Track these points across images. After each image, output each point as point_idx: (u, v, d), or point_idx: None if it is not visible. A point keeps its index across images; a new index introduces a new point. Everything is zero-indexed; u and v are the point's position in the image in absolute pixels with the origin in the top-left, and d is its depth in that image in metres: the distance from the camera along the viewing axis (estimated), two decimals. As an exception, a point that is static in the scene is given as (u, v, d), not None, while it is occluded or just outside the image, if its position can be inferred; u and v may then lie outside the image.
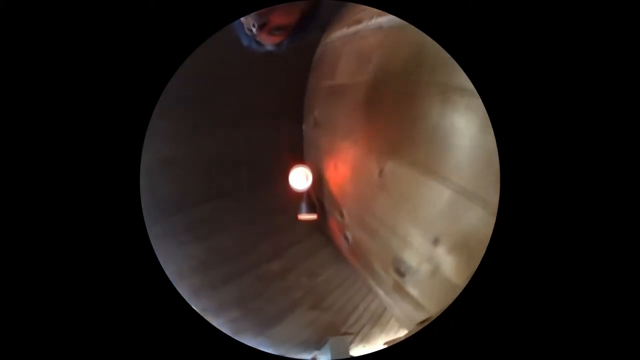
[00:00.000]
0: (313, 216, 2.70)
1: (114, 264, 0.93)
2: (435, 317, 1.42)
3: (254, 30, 1.32)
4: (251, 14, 1.23)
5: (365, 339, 5.29)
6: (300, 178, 2.52)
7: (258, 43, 1.45)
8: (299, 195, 2.66)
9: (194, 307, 2.68)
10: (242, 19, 1.29)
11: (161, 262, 1.38)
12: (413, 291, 1.95)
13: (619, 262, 0.77)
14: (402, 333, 5.52)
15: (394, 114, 1.68)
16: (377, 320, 5.18)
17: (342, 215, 2.46)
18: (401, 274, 1.98)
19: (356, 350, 5.30)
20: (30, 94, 0.88)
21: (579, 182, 0.83)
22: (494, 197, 1.09)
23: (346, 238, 2.58)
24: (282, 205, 2.84)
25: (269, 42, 1.47)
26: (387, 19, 1.73)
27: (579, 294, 0.80)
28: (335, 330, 4.85)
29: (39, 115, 0.89)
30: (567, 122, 0.87)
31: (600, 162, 0.82)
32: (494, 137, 1.07)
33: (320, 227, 3.18)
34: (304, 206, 2.66)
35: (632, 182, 0.77)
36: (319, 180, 2.55)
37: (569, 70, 0.87)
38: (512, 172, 0.92)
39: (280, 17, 1.31)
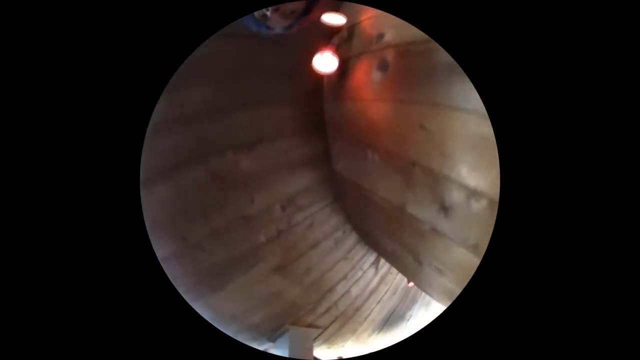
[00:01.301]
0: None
1: (113, 260, 0.94)
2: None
3: (268, 14, 1.42)
4: None
5: (332, 338, 4.00)
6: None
7: (268, 27, 1.53)
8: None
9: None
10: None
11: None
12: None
13: (619, 254, 0.79)
14: (372, 339, 4.37)
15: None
16: (352, 315, 3.96)
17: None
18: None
19: (319, 352, 3.99)
20: (31, 93, 0.89)
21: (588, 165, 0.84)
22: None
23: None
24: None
25: (280, 26, 1.56)
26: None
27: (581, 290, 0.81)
28: (299, 317, 3.52)
29: (40, 112, 0.90)
30: (566, 121, 0.87)
31: (599, 158, 0.83)
32: None
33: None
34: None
35: (631, 180, 0.78)
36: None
37: (569, 70, 0.88)
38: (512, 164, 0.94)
39: (293, 1, 1.46)
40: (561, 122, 0.88)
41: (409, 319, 4.78)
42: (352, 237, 3.41)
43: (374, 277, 3.88)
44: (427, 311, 4.93)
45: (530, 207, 0.89)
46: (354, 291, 3.78)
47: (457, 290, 2.20)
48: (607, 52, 0.82)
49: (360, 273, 3.70)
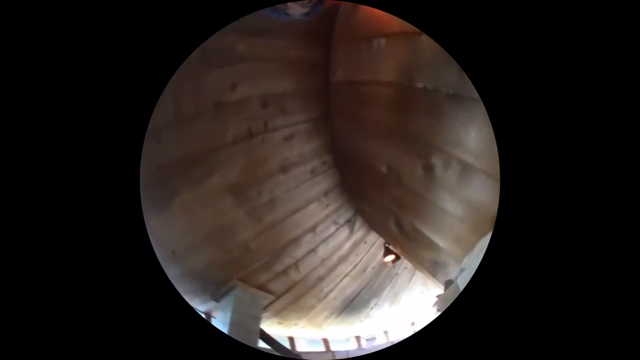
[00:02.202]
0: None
1: (112, 257, 0.94)
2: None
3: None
4: None
5: (285, 312, 3.37)
6: None
7: (287, 14, 1.63)
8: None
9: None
10: None
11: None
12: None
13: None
14: (327, 323, 3.75)
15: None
16: (312, 286, 3.40)
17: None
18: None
19: (267, 325, 3.32)
20: (32, 91, 0.90)
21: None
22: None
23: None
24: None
25: (299, 12, 1.65)
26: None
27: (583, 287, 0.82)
28: (250, 272, 2.89)
29: (41, 110, 0.91)
30: (566, 120, 0.89)
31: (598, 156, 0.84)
32: None
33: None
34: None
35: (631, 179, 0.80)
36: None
37: (569, 70, 0.90)
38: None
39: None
40: (560, 118, 0.88)
41: (371, 308, 4.19)
42: (333, 177, 2.85)
43: (346, 240, 3.30)
44: (392, 305, 4.36)
45: (531, 205, 0.91)
46: (321, 252, 3.17)
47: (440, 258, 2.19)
48: (606, 53, 0.84)
49: (332, 229, 3.12)
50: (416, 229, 2.26)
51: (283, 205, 2.69)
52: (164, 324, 0.99)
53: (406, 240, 2.52)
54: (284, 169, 2.49)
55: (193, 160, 2.16)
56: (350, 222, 3.21)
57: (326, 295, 3.65)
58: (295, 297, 3.43)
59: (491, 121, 1.09)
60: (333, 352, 3.90)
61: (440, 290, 2.62)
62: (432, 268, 2.49)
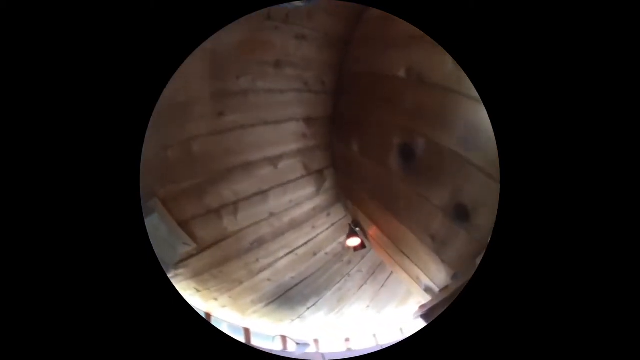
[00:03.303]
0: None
1: (113, 258, 0.94)
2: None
3: None
4: None
5: (205, 276, 2.59)
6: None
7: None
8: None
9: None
10: None
11: None
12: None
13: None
14: (252, 311, 3.00)
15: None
16: (247, 251, 2.64)
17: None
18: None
19: (178, 282, 2.52)
20: (34, 89, 0.90)
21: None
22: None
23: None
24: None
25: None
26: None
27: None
28: (178, 191, 2.14)
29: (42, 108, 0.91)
30: (566, 121, 0.89)
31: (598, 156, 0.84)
32: None
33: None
34: None
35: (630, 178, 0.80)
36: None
37: (568, 70, 0.90)
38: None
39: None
40: (560, 119, 0.88)
41: (308, 308, 3.44)
42: (324, 103, 2.23)
43: (307, 199, 2.63)
44: (331, 313, 3.63)
45: (530, 206, 0.90)
46: (272, 201, 2.46)
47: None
48: (606, 53, 0.84)
49: (297, 173, 2.44)
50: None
51: (254, 109, 2.00)
52: (164, 324, 0.99)
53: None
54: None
55: None
56: (320, 175, 2.54)
57: (259, 272, 2.88)
58: (221, 259, 2.65)
59: (491, 121, 1.07)
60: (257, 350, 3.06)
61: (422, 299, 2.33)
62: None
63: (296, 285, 3.17)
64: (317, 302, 3.45)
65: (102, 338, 0.86)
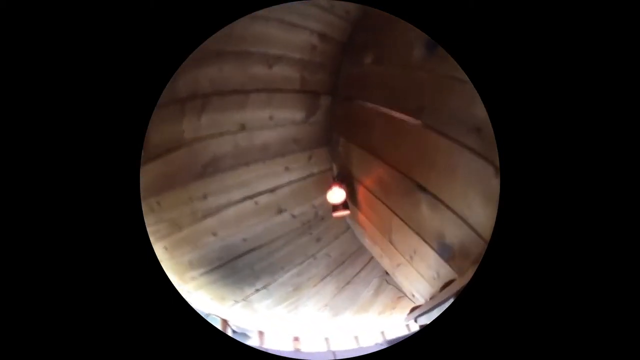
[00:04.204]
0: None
1: (113, 258, 0.94)
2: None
3: None
4: None
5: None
6: None
7: None
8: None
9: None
10: None
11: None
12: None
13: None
14: (191, 276, 2.36)
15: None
16: (203, 180, 2.00)
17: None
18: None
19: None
20: (36, 88, 0.91)
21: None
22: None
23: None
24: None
25: None
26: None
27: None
28: None
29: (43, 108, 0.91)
30: (566, 121, 0.89)
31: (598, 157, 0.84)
32: None
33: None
34: None
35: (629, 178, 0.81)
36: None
37: (569, 70, 0.90)
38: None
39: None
40: (561, 119, 0.88)
41: (257, 290, 2.77)
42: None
43: (294, 124, 2.08)
44: (281, 304, 2.95)
45: (530, 205, 0.90)
46: (249, 108, 1.90)
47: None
48: (606, 54, 0.84)
49: (291, 84, 1.91)
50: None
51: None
52: (164, 324, 0.99)
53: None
54: None
55: None
56: (315, 99, 2.01)
57: (205, 217, 2.23)
58: (164, 181, 1.98)
59: (491, 122, 1.06)
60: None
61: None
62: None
63: (247, 253, 2.51)
64: (268, 284, 2.79)
65: (101, 338, 0.85)
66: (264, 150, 2.07)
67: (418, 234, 1.66)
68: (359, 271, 3.19)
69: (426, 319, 1.90)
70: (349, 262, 3.06)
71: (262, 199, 2.28)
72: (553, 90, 0.89)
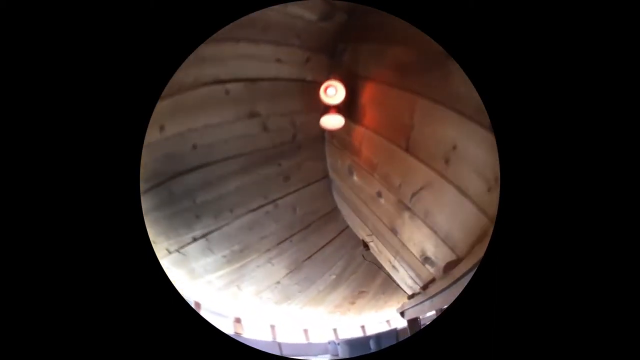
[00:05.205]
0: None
1: (114, 259, 0.94)
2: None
3: None
4: None
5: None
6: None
7: None
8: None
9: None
10: None
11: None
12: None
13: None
14: None
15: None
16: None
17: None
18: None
19: None
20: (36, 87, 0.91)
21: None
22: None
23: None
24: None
25: None
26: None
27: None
28: None
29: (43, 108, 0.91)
30: (567, 121, 0.89)
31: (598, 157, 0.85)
32: None
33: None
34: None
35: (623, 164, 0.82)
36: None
37: (568, 71, 0.90)
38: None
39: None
40: (561, 119, 0.88)
41: (195, 239, 2.07)
42: None
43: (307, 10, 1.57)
44: (221, 272, 2.26)
45: (531, 202, 0.90)
46: None
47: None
48: (606, 54, 0.84)
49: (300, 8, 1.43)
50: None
51: None
52: (164, 324, 1.00)
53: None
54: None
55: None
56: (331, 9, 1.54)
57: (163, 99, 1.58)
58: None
59: (491, 122, 1.06)
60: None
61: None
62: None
63: (192, 170, 1.84)
64: (209, 232, 2.09)
65: (101, 338, 0.86)
66: (260, 29, 1.52)
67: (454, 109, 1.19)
68: (326, 244, 2.56)
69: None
70: (316, 227, 2.44)
71: (235, 88, 1.68)
72: (553, 90, 0.90)
